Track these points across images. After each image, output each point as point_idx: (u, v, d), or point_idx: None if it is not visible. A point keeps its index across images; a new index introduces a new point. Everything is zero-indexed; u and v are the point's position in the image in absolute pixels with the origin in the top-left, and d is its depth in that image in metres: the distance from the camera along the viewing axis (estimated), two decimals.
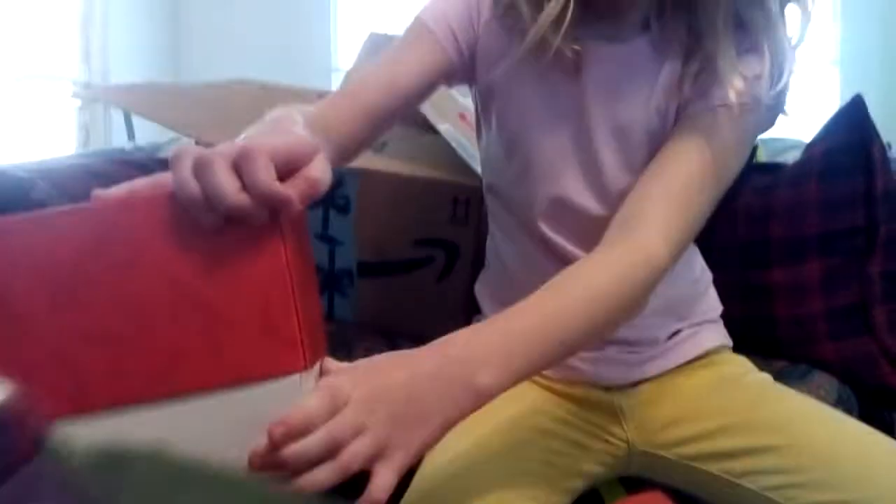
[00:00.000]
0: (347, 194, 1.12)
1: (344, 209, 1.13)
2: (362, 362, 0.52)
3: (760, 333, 1.08)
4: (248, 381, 0.47)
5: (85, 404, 0.46)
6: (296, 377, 0.47)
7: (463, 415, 0.51)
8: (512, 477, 0.67)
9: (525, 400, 0.75)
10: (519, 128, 0.76)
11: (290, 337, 0.47)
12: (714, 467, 0.71)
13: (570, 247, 0.75)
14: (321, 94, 0.93)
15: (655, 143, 0.70)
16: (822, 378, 1.01)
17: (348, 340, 1.09)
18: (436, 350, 0.52)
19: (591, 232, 0.67)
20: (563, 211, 0.75)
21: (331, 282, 1.19)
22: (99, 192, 0.47)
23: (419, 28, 0.74)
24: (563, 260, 0.71)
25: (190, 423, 0.46)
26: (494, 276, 0.87)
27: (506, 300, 0.58)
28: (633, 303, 0.61)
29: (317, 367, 0.53)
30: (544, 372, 0.76)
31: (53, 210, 0.48)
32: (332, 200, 1.13)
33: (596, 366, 0.78)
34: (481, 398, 0.51)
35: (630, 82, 0.71)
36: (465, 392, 0.50)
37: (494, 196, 0.83)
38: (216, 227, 0.46)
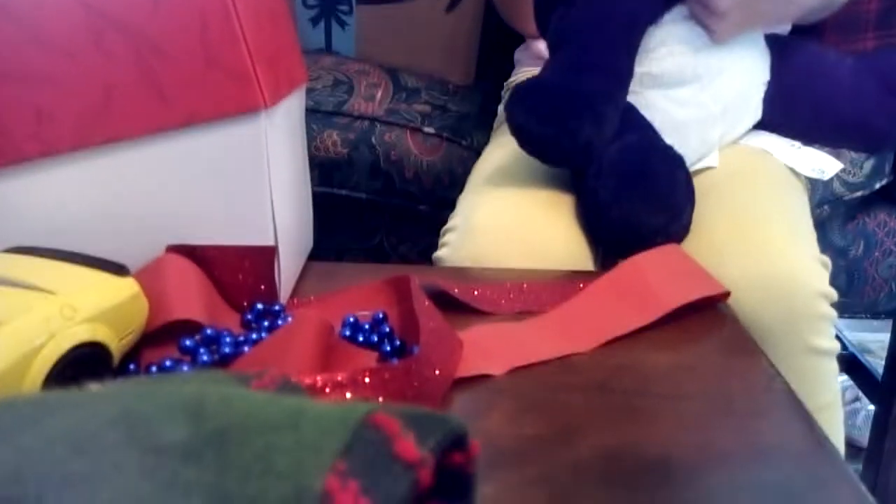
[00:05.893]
0: None
1: None
2: None
3: None
4: (198, 122, 0.40)
5: (11, 155, 0.40)
6: (256, 116, 0.41)
7: None
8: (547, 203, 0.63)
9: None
10: None
11: (240, 70, 0.40)
12: None
13: None
14: None
15: None
16: None
17: (349, 76, 1.01)
18: None
19: None
20: None
21: (327, 9, 1.07)
22: None
23: None
24: None
25: (133, 172, 0.41)
26: None
27: None
28: None
29: (284, 103, 0.47)
30: None
31: None
32: None
33: None
34: None
35: None
36: None
37: None
38: None
